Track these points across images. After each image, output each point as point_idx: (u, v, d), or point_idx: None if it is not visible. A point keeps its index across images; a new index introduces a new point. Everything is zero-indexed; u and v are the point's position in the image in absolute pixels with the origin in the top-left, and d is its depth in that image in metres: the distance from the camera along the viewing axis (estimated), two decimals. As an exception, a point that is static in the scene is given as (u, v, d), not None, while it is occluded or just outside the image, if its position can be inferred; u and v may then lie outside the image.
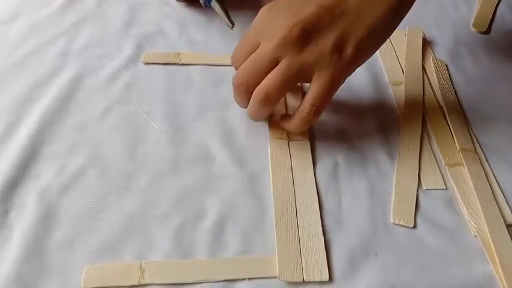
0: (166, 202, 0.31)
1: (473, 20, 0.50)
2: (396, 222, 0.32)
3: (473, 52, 0.46)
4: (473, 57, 0.46)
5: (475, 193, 0.33)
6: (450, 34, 0.48)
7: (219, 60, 0.41)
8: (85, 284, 0.27)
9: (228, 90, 0.38)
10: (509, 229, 0.32)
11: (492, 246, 0.31)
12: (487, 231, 0.31)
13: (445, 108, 0.40)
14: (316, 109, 0.32)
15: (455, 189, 0.34)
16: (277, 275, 0.28)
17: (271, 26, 0.32)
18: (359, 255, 0.30)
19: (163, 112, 0.37)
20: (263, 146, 0.35)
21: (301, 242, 0.30)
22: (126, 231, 0.29)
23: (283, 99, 0.39)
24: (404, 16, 0.34)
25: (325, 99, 0.32)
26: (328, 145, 0.36)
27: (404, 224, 0.32)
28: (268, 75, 0.32)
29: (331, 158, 0.35)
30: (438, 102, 0.40)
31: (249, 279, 0.28)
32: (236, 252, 0.29)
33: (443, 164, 0.36)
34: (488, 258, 0.30)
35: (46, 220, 0.29)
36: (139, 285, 0.27)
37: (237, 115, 0.37)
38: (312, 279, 0.28)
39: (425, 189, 0.34)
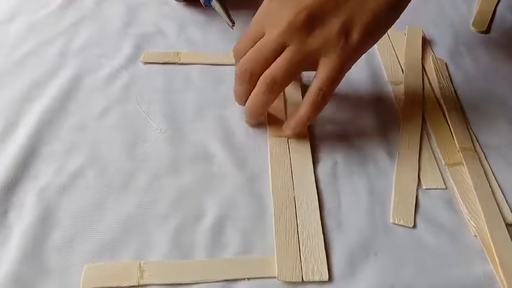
0: (165, 202, 0.31)
1: (472, 19, 0.50)
2: (396, 221, 0.32)
3: (473, 51, 0.46)
4: (472, 57, 0.46)
5: (474, 192, 0.33)
6: (450, 33, 0.48)
7: (218, 59, 0.41)
8: (84, 284, 0.27)
9: (227, 90, 0.38)
10: (509, 228, 0.32)
11: (492, 245, 0.30)
12: (487, 231, 0.31)
13: (444, 107, 0.40)
14: (324, 93, 0.32)
15: (455, 189, 0.34)
16: (276, 275, 0.28)
17: (276, 14, 0.32)
18: (359, 254, 0.30)
19: (162, 112, 0.37)
20: (263, 146, 0.35)
21: (300, 242, 0.30)
22: (125, 231, 0.29)
23: (282, 102, 0.38)
24: (409, 2, 0.34)
25: (333, 83, 0.32)
26: (327, 144, 0.36)
27: (404, 224, 0.32)
28: (275, 61, 0.32)
29: (330, 157, 0.35)
30: (438, 101, 0.40)
31: (249, 279, 0.28)
32: (235, 252, 0.29)
33: (443, 163, 0.36)
34: (488, 258, 0.30)
35: (45, 220, 0.29)
36: (138, 285, 0.27)
37: (237, 114, 0.37)
38: (311, 279, 0.28)
39: (425, 189, 0.34)
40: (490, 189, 0.34)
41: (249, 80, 0.33)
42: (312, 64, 0.32)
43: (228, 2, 0.42)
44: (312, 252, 0.29)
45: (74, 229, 0.29)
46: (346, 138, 0.37)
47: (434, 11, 0.51)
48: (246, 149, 0.35)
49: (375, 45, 0.37)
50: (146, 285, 0.27)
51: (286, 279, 0.28)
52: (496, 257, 0.30)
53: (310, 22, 0.31)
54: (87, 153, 0.33)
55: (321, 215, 0.31)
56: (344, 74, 0.33)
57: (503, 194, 0.34)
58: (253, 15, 0.35)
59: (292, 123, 0.34)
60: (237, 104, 0.36)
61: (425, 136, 0.37)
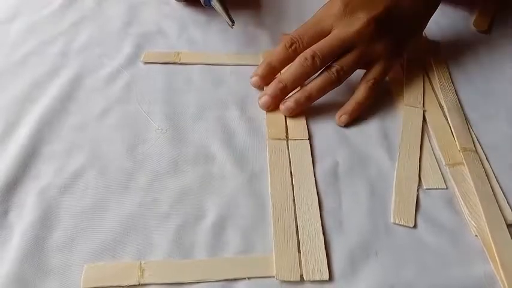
0: (166, 202, 0.31)
1: (473, 19, 0.50)
2: (396, 221, 0.32)
3: (474, 51, 0.46)
4: (473, 57, 0.46)
5: (475, 193, 0.33)
6: (450, 33, 0.48)
7: (218, 59, 0.42)
8: (85, 283, 0.27)
9: (228, 90, 0.38)
10: (509, 229, 0.32)
11: (493, 245, 0.30)
12: (488, 231, 0.31)
13: (445, 108, 0.40)
14: (376, 80, 0.38)
15: (456, 189, 0.34)
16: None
17: (347, 18, 0.38)
18: (359, 254, 0.30)
19: (163, 111, 0.37)
20: (263, 146, 0.35)
21: (300, 242, 0.30)
22: (126, 231, 0.29)
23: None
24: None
25: (382, 78, 0.39)
26: (328, 144, 0.36)
27: (405, 224, 0.32)
28: (344, 56, 0.38)
29: (331, 158, 0.35)
30: (438, 102, 0.40)
31: (249, 278, 0.28)
32: (236, 252, 0.29)
33: (444, 163, 0.36)
34: (488, 258, 0.30)
35: (46, 220, 0.29)
36: (139, 284, 0.27)
37: (237, 114, 0.37)
38: (311, 278, 0.28)
39: (426, 189, 0.34)
40: (490, 189, 0.34)
41: (294, 49, 0.38)
42: (366, 64, 0.39)
43: (228, 1, 0.42)
44: (313, 252, 0.29)
45: (75, 229, 0.29)
46: (347, 138, 0.37)
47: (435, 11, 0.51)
48: (246, 149, 0.35)
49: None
50: (147, 284, 0.27)
51: (284, 279, 0.28)
52: (496, 257, 0.30)
53: (377, 32, 0.38)
54: (88, 153, 0.33)
55: (321, 215, 0.31)
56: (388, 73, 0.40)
57: (504, 194, 0.34)
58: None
59: (349, 107, 0.38)
60: (237, 104, 0.36)
61: (426, 136, 0.37)
